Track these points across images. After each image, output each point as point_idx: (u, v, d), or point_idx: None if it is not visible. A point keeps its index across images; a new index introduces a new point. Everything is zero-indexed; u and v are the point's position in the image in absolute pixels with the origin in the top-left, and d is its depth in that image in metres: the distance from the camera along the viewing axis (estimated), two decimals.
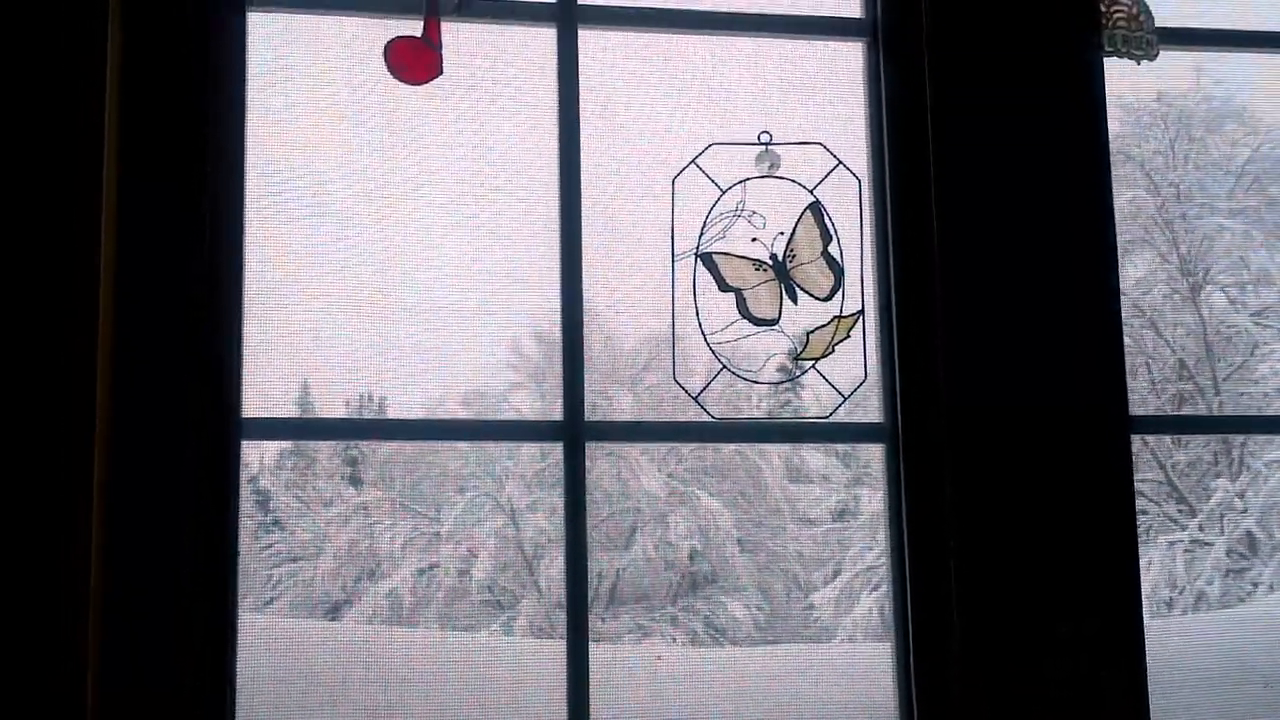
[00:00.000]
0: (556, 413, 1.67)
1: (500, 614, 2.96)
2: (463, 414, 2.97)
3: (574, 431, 1.62)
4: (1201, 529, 2.91)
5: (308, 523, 3.09)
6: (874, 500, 2.77)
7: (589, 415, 1.66)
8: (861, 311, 1.68)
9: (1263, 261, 2.78)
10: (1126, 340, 1.68)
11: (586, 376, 1.66)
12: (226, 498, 1.51)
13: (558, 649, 1.62)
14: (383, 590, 3.06)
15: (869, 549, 3.04)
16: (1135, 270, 2.82)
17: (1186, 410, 3.00)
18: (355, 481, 3.08)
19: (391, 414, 2.86)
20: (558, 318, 1.65)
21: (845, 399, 1.67)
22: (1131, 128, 2.88)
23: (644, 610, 3.12)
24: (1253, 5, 1.84)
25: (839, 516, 3.20)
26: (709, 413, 1.67)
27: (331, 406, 2.82)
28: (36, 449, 1.41)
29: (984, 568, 1.60)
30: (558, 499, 1.65)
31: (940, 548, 1.63)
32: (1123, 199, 2.71)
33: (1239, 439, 3.02)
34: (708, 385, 1.66)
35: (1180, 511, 2.96)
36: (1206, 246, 2.81)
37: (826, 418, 1.68)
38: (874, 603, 2.99)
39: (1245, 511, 2.88)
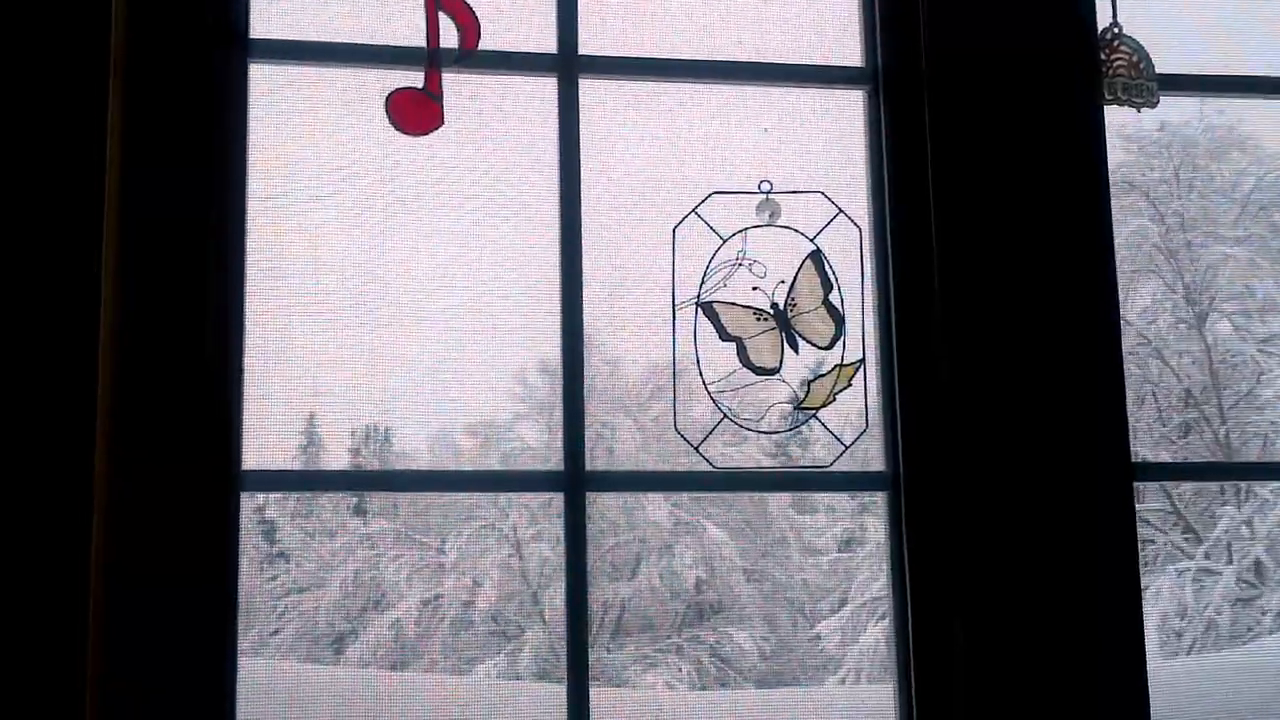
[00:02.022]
0: (560, 444, 1.67)
1: (505, 644, 2.96)
2: (468, 444, 2.98)
3: (574, 481, 1.62)
4: (1208, 556, 2.90)
5: (313, 553, 3.09)
6: (880, 530, 2.76)
7: (591, 449, 1.66)
8: (863, 360, 1.67)
9: (1269, 289, 2.78)
10: (1132, 369, 1.68)
11: (587, 419, 1.66)
12: (225, 555, 1.51)
13: (558, 692, 1.62)
14: (387, 621, 3.07)
15: (875, 579, 3.03)
16: (1140, 299, 2.82)
17: (1193, 438, 2.99)
18: (360, 512, 3.08)
19: (396, 445, 2.87)
20: (559, 367, 1.65)
21: (847, 448, 1.67)
22: (1135, 156, 2.88)
23: (649, 640, 3.11)
24: (1252, 48, 1.84)
25: (845, 546, 3.20)
26: (710, 462, 1.66)
27: (337, 437, 2.83)
28: (30, 504, 1.41)
29: (986, 612, 1.59)
30: (562, 528, 1.65)
31: (943, 595, 1.63)
32: (1127, 229, 2.71)
33: (1245, 464, 3.00)
34: (708, 436, 1.66)
35: (1187, 540, 2.96)
36: (1211, 275, 2.81)
37: (829, 466, 1.68)
38: (880, 632, 2.99)
39: (1253, 539, 2.88)
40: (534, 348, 1.74)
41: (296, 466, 1.87)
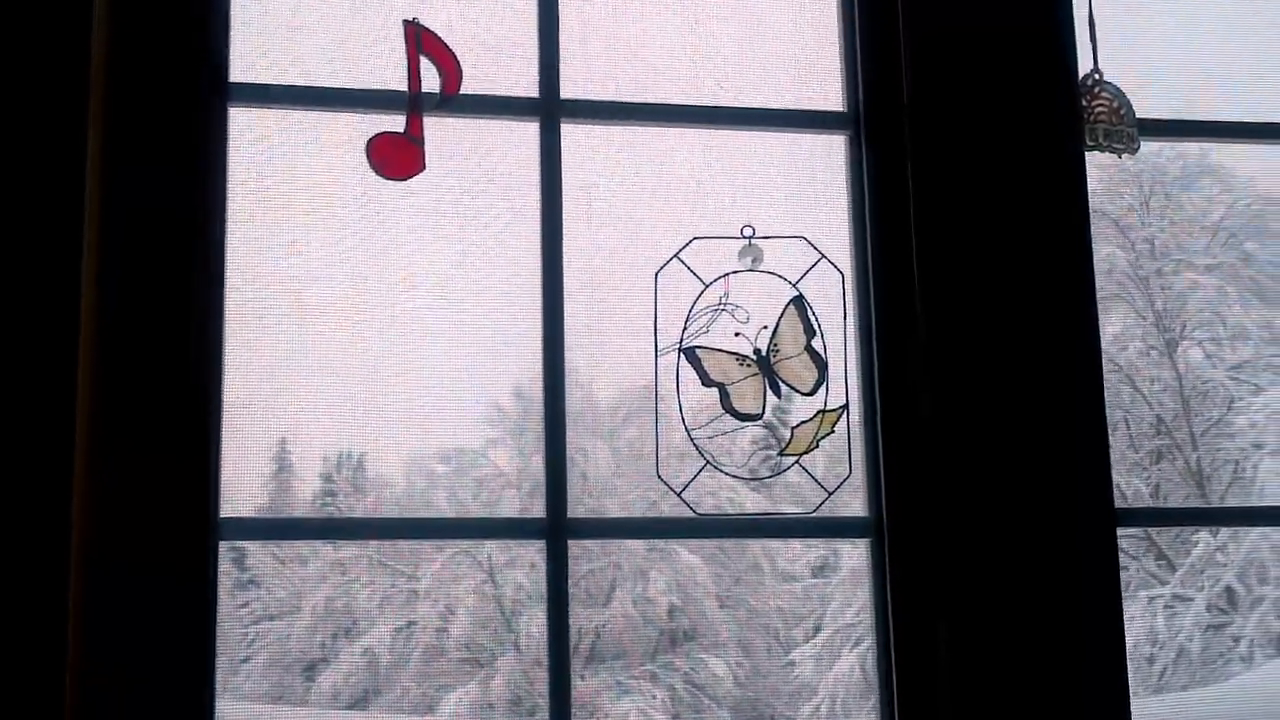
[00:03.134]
0: (537, 466, 1.66)
1: (478, 672, 2.94)
2: (441, 470, 2.96)
3: (556, 530, 1.61)
4: (1182, 584, 2.91)
5: (284, 580, 3.06)
6: (854, 555, 2.76)
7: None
8: (846, 406, 1.67)
9: (1238, 316, 2.79)
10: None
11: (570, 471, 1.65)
12: (206, 551, 1.49)
13: None
14: (359, 649, 3.04)
15: (849, 605, 3.03)
16: (1111, 326, 2.83)
17: (1164, 465, 3.00)
18: None
19: (370, 471, 2.86)
20: (533, 392, 1.65)
21: (830, 494, 1.66)
22: (1105, 184, 2.89)
23: (623, 667, 3.10)
24: (1230, 92, 1.85)
25: (819, 572, 3.19)
26: (692, 509, 1.66)
27: (309, 463, 2.80)
28: (11, 497, 1.40)
29: (969, 657, 1.60)
30: (537, 554, 1.65)
31: (926, 640, 1.63)
32: (1096, 256, 2.72)
33: (1218, 491, 3.01)
34: (691, 482, 1.66)
35: (1160, 567, 2.96)
36: (1181, 302, 2.82)
37: (812, 511, 1.68)
38: (856, 659, 2.99)
39: (1225, 566, 2.89)
40: (514, 381, 1.73)
41: (269, 491, 1.86)
